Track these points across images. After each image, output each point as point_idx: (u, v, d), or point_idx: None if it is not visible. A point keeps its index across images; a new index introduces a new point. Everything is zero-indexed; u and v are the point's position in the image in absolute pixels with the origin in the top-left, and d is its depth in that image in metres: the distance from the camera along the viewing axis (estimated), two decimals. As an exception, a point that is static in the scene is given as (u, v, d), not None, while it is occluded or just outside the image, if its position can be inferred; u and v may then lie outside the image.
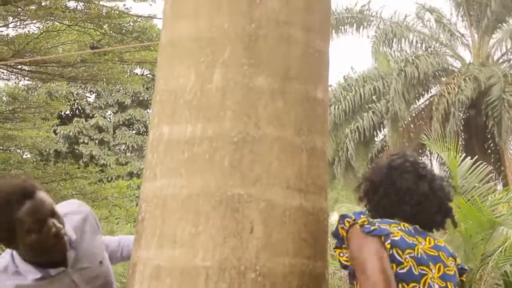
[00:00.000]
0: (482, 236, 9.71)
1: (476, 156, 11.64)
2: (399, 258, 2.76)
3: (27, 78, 21.81)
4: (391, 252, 2.75)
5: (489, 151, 24.05)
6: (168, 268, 2.79)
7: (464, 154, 12.44)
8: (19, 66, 19.11)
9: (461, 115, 23.51)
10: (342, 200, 27.68)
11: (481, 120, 23.02)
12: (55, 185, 18.44)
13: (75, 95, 34.13)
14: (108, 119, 37.47)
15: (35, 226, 2.97)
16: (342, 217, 2.90)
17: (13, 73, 20.02)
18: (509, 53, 24.76)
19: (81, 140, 35.15)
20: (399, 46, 24.84)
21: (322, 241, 3.03)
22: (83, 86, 35.16)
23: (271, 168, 2.86)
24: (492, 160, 23.64)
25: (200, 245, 2.76)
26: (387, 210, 3.01)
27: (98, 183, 20.45)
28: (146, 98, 36.80)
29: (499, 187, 21.21)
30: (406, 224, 2.93)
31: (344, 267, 2.96)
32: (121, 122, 37.12)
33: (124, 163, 33.62)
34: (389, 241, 2.76)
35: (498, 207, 11.00)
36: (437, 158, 21.79)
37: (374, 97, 24.01)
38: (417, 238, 2.90)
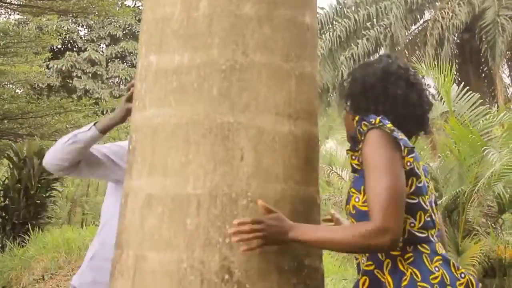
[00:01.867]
0: (475, 159, 9.78)
1: (470, 81, 11.66)
2: (417, 171, 2.71)
3: (17, 12, 21.57)
4: (412, 166, 2.67)
5: (483, 75, 24.04)
6: (159, 197, 2.81)
7: (458, 79, 12.46)
8: (9, 0, 18.88)
9: (456, 39, 23.42)
10: (336, 128, 27.74)
11: (475, 44, 22.94)
12: (49, 119, 18.41)
13: (65, 29, 33.76)
14: (101, 52, 37.20)
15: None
16: (360, 120, 2.72)
17: (2, 8, 19.81)
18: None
19: (74, 74, 34.97)
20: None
21: (313, 166, 3.05)
22: (74, 20, 34.81)
23: (260, 95, 2.86)
24: (486, 84, 23.66)
25: (191, 173, 2.78)
26: (375, 113, 2.80)
27: (92, 116, 20.42)
28: (138, 30, 36.30)
29: (493, 110, 21.29)
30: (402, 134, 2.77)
31: (354, 171, 2.84)
32: (113, 55, 36.86)
33: (117, 96, 33.53)
34: (413, 154, 2.67)
35: (493, 130, 11.05)
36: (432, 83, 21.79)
37: (368, 23, 23.84)
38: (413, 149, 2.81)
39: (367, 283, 2.68)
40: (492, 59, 21.76)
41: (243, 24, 2.89)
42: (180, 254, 2.71)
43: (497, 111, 12.49)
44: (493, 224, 11.27)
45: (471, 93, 10.87)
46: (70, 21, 34.75)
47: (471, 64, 23.68)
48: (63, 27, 33.32)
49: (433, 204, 2.85)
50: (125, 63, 37.27)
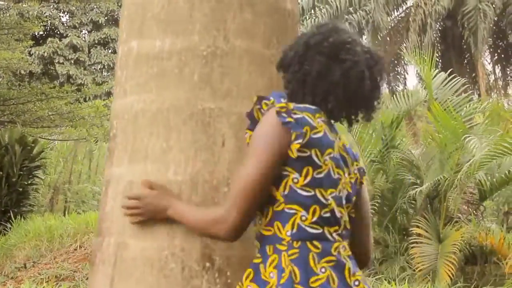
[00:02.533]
0: (457, 146, 9.82)
1: (452, 68, 11.68)
2: (317, 161, 2.42)
3: (-3, -2, 21.40)
4: (307, 154, 2.40)
5: (465, 62, 24.14)
6: (140, 184, 2.79)
7: (440, 66, 12.49)
8: (-11, -14, 18.73)
9: (438, 26, 23.48)
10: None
11: (458, 31, 23.03)
12: (31, 106, 18.30)
13: (47, 16, 33.55)
14: (83, 39, 37.03)
15: None
16: (260, 99, 2.54)
17: (-18, -6, 19.65)
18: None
19: (56, 60, 34.78)
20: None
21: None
22: (55, 6, 34.59)
23: (241, 81, 2.85)
24: (468, 71, 23.76)
25: (172, 160, 2.76)
26: (294, 96, 2.57)
27: (74, 103, 20.33)
28: (120, 16, 36.26)
29: (475, 97, 21.40)
30: (322, 114, 2.52)
31: None
32: (96, 41, 36.71)
33: (100, 82, 33.40)
34: (301, 140, 2.39)
35: (474, 117, 11.11)
36: (414, 69, 21.88)
37: (351, 8, 23.86)
38: (335, 134, 2.58)
39: (251, 276, 2.43)
40: (474, 45, 21.84)
41: (224, 9, 2.88)
42: (161, 241, 2.70)
43: (479, 97, 12.55)
44: (474, 211, 11.34)
45: (456, 79, 10.91)
46: (51, 7, 34.53)
47: (453, 51, 23.77)
48: (45, 13, 33.11)
49: (344, 201, 2.53)
50: (107, 49, 37.13)
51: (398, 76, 24.67)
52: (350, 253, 2.51)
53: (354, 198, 2.63)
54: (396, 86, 24.58)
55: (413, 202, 10.80)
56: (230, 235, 2.44)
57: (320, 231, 2.42)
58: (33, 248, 11.16)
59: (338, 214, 2.48)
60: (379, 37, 23.52)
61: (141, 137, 2.84)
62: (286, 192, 2.43)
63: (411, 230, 10.10)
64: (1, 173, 14.43)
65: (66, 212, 16.45)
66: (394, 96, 12.00)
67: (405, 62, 21.96)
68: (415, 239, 9.85)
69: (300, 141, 2.40)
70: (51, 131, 20.04)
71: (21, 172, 14.78)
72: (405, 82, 25.16)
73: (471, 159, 9.42)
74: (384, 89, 24.57)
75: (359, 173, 2.69)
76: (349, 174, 2.59)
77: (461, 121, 9.91)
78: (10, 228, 13.01)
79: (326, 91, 2.53)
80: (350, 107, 2.59)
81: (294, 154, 2.41)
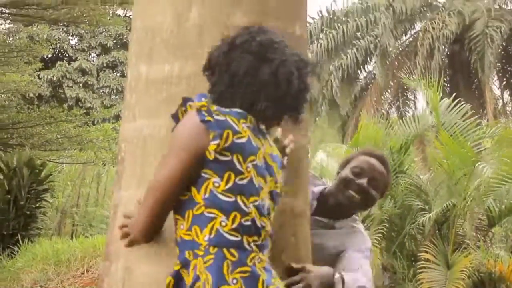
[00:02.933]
0: (465, 171, 9.78)
1: (460, 93, 11.66)
2: (239, 167, 2.36)
3: (7, 21, 21.52)
4: (227, 158, 2.35)
5: (473, 86, 24.12)
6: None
7: (448, 90, 12.48)
8: (0, 9, 18.84)
9: (446, 50, 23.51)
10: (327, 139, 27.75)
11: (465, 56, 23.03)
12: (40, 129, 18.34)
13: (56, 39, 33.73)
14: (92, 62, 37.18)
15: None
16: (186, 100, 2.51)
17: (-6, 17, 19.78)
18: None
19: (65, 84, 34.91)
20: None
21: (302, 178, 3.04)
22: (65, 29, 34.79)
23: (249, 106, 2.84)
24: (476, 96, 23.75)
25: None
26: (222, 98, 2.48)
27: (83, 126, 20.37)
28: (129, 40, 36.42)
29: (483, 122, 21.38)
30: (252, 119, 2.46)
31: None
32: (104, 65, 36.83)
33: (109, 106, 33.49)
34: (218, 141, 2.34)
35: (483, 142, 11.07)
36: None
37: (358, 33, 23.92)
38: (260, 139, 2.49)
39: (171, 285, 2.40)
40: (481, 70, 21.84)
41: (233, 34, 2.88)
42: (169, 266, 2.68)
43: (487, 122, 12.51)
44: (483, 238, 11.28)
45: (462, 104, 10.90)
46: (61, 30, 34.72)
47: (461, 76, 23.77)
48: (54, 36, 33.29)
49: (266, 211, 2.46)
50: (116, 73, 37.24)
51: (407, 101, 24.65)
52: (265, 264, 2.42)
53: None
54: (406, 112, 24.57)
55: (422, 227, 10.74)
56: (142, 237, 2.51)
57: (238, 239, 2.36)
58: (40, 272, 11.12)
59: (259, 224, 2.41)
60: (387, 61, 23.55)
61: (149, 161, 2.83)
62: (206, 196, 2.38)
63: (420, 256, 10.04)
64: (9, 196, 14.42)
65: (74, 236, 16.43)
66: (402, 120, 11.98)
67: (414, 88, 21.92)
68: (423, 265, 9.79)
69: (217, 141, 2.35)
70: (59, 154, 20.05)
71: (29, 195, 14.75)
72: (415, 106, 25.13)
73: (479, 184, 9.39)
74: (393, 113, 24.62)
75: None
76: (275, 182, 2.52)
77: (469, 147, 9.87)
78: (17, 251, 12.98)
79: (256, 91, 2.45)
80: (280, 107, 2.51)
81: (211, 155, 2.36)
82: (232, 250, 2.35)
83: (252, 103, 2.45)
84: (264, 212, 2.44)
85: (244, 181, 2.37)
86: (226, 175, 2.37)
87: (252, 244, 2.39)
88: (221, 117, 2.38)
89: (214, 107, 2.41)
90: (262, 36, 2.50)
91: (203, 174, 2.38)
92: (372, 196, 3.34)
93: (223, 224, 2.36)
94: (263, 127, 2.54)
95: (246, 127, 2.42)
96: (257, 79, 2.44)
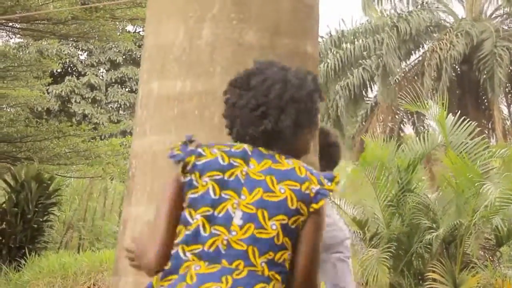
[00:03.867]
0: (473, 191, 9.77)
1: (469, 113, 11.67)
2: (195, 183, 2.43)
3: (18, 35, 21.63)
4: (188, 178, 2.44)
5: (483, 107, 24.09)
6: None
7: (456, 110, 12.49)
8: (10, 24, 18.93)
9: (454, 71, 23.52)
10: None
11: (474, 75, 23.03)
12: (48, 143, 18.38)
13: (66, 53, 33.85)
14: (100, 77, 37.27)
15: None
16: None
17: (3, 31, 19.88)
18: (502, 8, 24.70)
19: (73, 99, 35.00)
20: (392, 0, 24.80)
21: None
22: (74, 44, 34.91)
23: (261, 124, 2.85)
24: (485, 116, 23.71)
25: (190, 201, 2.76)
26: (229, 131, 2.58)
27: (91, 141, 20.41)
28: (138, 56, 36.46)
29: (493, 142, 21.34)
30: (243, 145, 2.51)
31: None
32: (113, 80, 36.90)
33: (116, 121, 33.54)
34: (185, 165, 2.44)
35: (492, 161, 11.06)
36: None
37: (364, 53, 23.95)
38: (245, 160, 2.48)
39: None
40: (491, 90, 21.83)
41: (245, 52, 2.90)
42: (178, 282, 2.69)
43: (496, 142, 12.51)
44: (490, 257, 11.24)
45: (468, 122, 10.89)
46: (70, 45, 34.85)
47: (469, 96, 23.75)
48: (64, 51, 33.41)
49: (225, 219, 2.41)
50: (124, 88, 37.33)
51: (421, 117, 24.59)
52: (209, 270, 2.37)
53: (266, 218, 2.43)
54: (421, 127, 24.50)
55: (429, 246, 10.70)
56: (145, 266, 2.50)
57: (175, 250, 2.41)
58: (46, 285, 11.14)
59: (205, 233, 2.40)
60: (390, 81, 23.56)
61: (159, 177, 2.85)
62: None
63: (427, 275, 10.01)
64: (16, 209, 14.46)
65: (80, 250, 16.45)
66: (419, 136, 11.99)
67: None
68: (430, 284, 9.76)
69: (189, 167, 2.44)
70: (67, 169, 20.10)
71: (37, 209, 14.79)
72: (428, 123, 25.08)
73: (488, 204, 9.37)
74: (408, 130, 24.61)
75: (301, 194, 2.44)
76: (265, 191, 2.43)
77: (476, 168, 9.85)
78: (24, 264, 13.00)
79: (235, 115, 2.52)
80: (261, 117, 2.50)
81: (184, 179, 2.44)
82: (169, 262, 2.41)
83: (237, 129, 2.52)
84: (221, 221, 2.40)
85: (196, 195, 2.42)
86: (186, 193, 2.44)
87: (188, 253, 2.39)
88: (193, 148, 2.47)
89: (196, 143, 2.50)
90: (248, 70, 2.55)
91: None
92: None
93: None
94: (271, 152, 2.52)
95: (220, 151, 2.47)
96: (238, 106, 2.51)
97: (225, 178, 2.42)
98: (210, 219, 2.40)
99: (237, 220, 2.39)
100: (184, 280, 2.35)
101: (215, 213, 2.40)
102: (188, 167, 2.44)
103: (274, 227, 2.39)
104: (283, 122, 2.50)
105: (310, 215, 2.43)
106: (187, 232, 2.40)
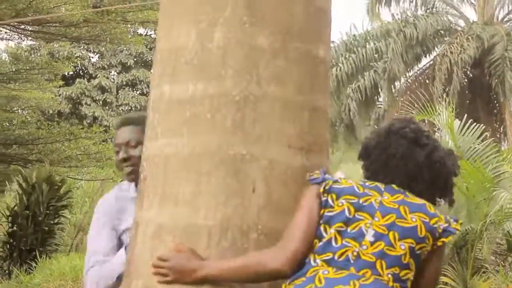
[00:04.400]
0: (484, 196, 9.73)
1: (480, 117, 11.62)
2: (331, 202, 2.68)
3: (29, 38, 21.73)
4: (324, 198, 2.69)
5: (494, 111, 24.03)
6: (170, 227, 2.80)
7: (467, 115, 12.43)
8: (22, 26, 19.01)
9: (465, 75, 23.48)
10: (346, 160, 27.72)
11: (485, 80, 22.98)
12: (59, 145, 18.45)
13: (77, 56, 33.95)
14: (111, 80, 37.38)
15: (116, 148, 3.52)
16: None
17: (15, 33, 19.95)
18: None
19: (84, 101, 35.10)
20: (400, 4, 24.76)
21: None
22: (85, 47, 35.03)
23: (272, 127, 2.85)
24: (496, 120, 23.66)
25: (202, 204, 2.77)
26: (377, 175, 2.81)
27: (102, 143, 20.46)
28: (149, 59, 36.61)
29: (505, 146, 21.26)
30: (376, 183, 2.77)
31: None
32: (124, 83, 37.02)
33: (127, 124, 33.61)
34: (325, 187, 2.71)
35: (503, 166, 11.01)
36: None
37: (376, 55, 23.93)
38: (380, 192, 2.73)
39: None
40: (502, 94, 21.78)
41: (257, 55, 2.90)
42: (189, 286, 2.69)
43: (508, 146, 12.44)
44: (502, 262, 11.19)
45: (477, 125, 10.84)
46: (82, 47, 34.97)
47: (480, 100, 23.69)
48: (75, 53, 33.54)
49: (356, 234, 2.65)
50: (135, 91, 37.42)
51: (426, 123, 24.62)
52: (336, 276, 2.58)
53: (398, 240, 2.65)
54: (433, 131, 24.48)
55: (440, 251, 10.65)
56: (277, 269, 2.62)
57: (307, 259, 2.64)
58: (57, 288, 11.16)
59: (336, 244, 2.63)
60: (396, 84, 23.57)
61: (171, 181, 2.85)
62: None
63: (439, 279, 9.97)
64: (27, 212, 14.49)
65: (91, 252, 16.43)
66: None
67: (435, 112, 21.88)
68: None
69: (325, 187, 2.72)
70: (78, 171, 20.16)
71: (48, 211, 14.82)
72: (434, 132, 25.05)
73: (499, 209, 9.32)
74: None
75: (430, 228, 2.68)
76: (397, 217, 2.66)
77: (487, 173, 9.81)
78: (35, 267, 13.03)
79: (412, 173, 2.78)
80: (432, 188, 2.81)
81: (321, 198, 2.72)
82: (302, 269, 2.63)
83: (409, 183, 2.77)
84: (353, 236, 2.64)
85: (332, 213, 2.67)
86: (321, 211, 2.70)
87: (318, 260, 2.62)
88: (330, 177, 2.78)
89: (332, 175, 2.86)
90: (412, 124, 2.87)
91: None
92: None
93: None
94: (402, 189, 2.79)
95: (357, 183, 2.75)
96: (413, 161, 2.78)
97: (360, 202, 2.68)
98: (343, 234, 2.65)
99: (369, 237, 2.64)
100: (312, 282, 2.56)
101: (348, 229, 2.65)
102: (326, 188, 2.70)
103: (403, 247, 2.63)
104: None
105: (437, 248, 2.71)
106: (320, 244, 2.65)
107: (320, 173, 2.76)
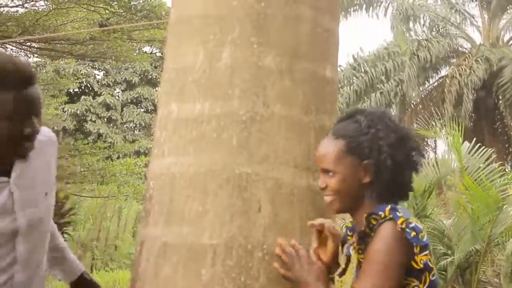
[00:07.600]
0: (489, 217, 9.71)
1: (484, 138, 11.61)
2: (430, 264, 2.47)
3: (36, 55, 21.82)
4: (425, 261, 2.45)
5: (499, 131, 24.04)
6: (175, 246, 2.80)
7: (472, 136, 12.43)
8: (28, 43, 19.09)
9: (471, 97, 23.50)
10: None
11: (491, 101, 22.99)
12: (64, 161, 18.47)
13: (82, 73, 34.06)
14: (116, 97, 37.47)
15: (17, 116, 2.55)
16: (369, 215, 2.53)
17: (22, 50, 20.03)
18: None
19: (89, 118, 35.17)
20: (415, 26, 24.83)
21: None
22: (91, 64, 35.15)
23: (278, 147, 2.86)
24: (502, 141, 23.65)
25: (208, 223, 2.77)
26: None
27: (106, 160, 20.49)
28: (154, 77, 36.75)
29: (507, 168, 21.26)
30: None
31: (359, 266, 2.59)
32: (129, 100, 37.12)
33: (131, 141, 33.69)
34: (426, 251, 2.46)
35: (508, 188, 10.99)
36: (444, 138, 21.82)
37: (383, 77, 23.97)
38: None
39: None
40: (510, 117, 21.83)
41: (264, 76, 2.91)
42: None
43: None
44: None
45: (484, 148, 10.84)
46: (87, 65, 35.08)
47: (485, 121, 23.69)
48: (80, 70, 33.64)
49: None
50: (140, 108, 37.49)
51: (426, 148, 24.55)
52: None
53: None
54: (427, 154, 24.47)
55: (444, 272, 10.63)
56: None
57: None
58: (59, 304, 11.15)
59: None
60: (408, 109, 23.57)
61: (177, 199, 2.85)
62: None
63: (441, 302, 9.93)
64: (31, 228, 14.47)
65: (93, 269, 16.44)
66: (425, 165, 11.92)
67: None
68: (444, 310, 9.69)
69: (426, 252, 2.45)
70: (82, 188, 20.17)
71: (51, 228, 14.80)
72: (435, 150, 25.03)
73: (503, 231, 9.31)
74: (431, 155, 24.57)
75: None
76: None
77: (494, 194, 9.79)
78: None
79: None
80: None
81: (419, 265, 2.44)
82: None
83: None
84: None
85: (434, 277, 2.50)
86: (423, 277, 2.47)
87: None
88: (412, 224, 2.46)
89: (405, 217, 2.48)
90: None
91: (404, 281, 2.47)
92: None
93: None
94: None
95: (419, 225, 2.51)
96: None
97: None
98: None
99: None
100: None
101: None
102: (424, 252, 2.44)
103: None
104: None
105: None
106: None
107: (408, 224, 2.48)
